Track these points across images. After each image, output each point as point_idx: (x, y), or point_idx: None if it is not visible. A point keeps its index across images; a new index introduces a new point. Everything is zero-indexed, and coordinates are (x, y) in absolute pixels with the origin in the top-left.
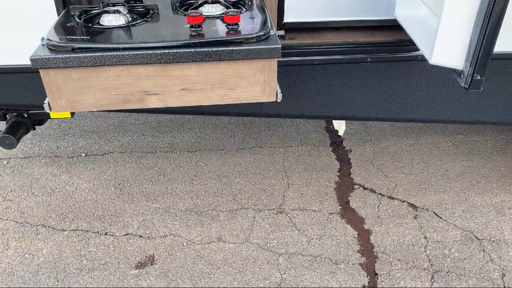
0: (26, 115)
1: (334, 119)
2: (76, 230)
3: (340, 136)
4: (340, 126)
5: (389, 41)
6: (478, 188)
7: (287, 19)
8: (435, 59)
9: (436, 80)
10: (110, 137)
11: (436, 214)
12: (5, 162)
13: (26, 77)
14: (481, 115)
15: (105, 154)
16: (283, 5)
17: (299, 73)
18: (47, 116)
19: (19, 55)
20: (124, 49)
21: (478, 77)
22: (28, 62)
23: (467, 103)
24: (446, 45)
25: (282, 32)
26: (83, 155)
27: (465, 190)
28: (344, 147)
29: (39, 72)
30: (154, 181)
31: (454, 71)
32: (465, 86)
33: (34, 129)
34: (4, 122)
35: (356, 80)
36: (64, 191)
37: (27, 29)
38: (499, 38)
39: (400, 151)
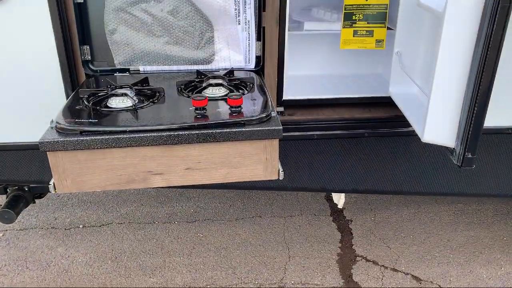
0: (26, 189)
1: (333, 192)
2: None
3: (340, 208)
4: (339, 199)
5: (385, 117)
6: (482, 259)
7: (286, 96)
8: (427, 137)
9: (432, 154)
10: (108, 207)
11: None
12: (1, 235)
13: (30, 154)
14: (478, 188)
15: (103, 225)
16: (282, 84)
17: (298, 147)
18: (47, 190)
19: (23, 133)
20: (131, 131)
21: (470, 155)
22: (32, 140)
23: (463, 177)
24: (437, 123)
25: (281, 109)
26: (80, 226)
27: (469, 262)
28: (345, 217)
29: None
30: (152, 254)
31: (447, 148)
32: (458, 164)
33: (34, 202)
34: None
35: (354, 154)
36: (60, 265)
37: (33, 108)
38: (491, 113)
39: (401, 220)
